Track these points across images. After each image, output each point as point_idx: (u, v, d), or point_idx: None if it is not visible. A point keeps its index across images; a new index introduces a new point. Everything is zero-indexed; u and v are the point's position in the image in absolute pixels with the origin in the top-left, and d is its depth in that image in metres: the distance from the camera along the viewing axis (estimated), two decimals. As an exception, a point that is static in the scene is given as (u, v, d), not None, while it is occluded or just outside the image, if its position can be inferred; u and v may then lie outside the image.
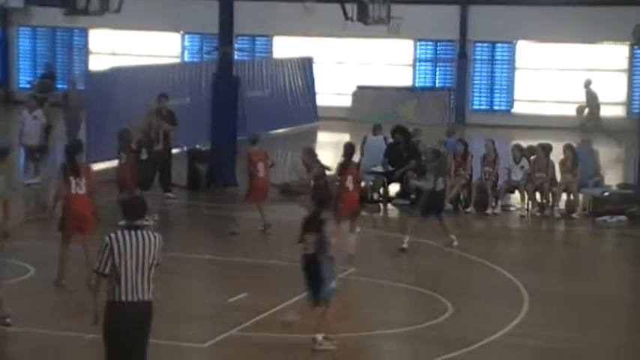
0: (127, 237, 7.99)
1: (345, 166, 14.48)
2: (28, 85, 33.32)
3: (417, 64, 32.98)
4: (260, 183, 16.10)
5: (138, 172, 16.30)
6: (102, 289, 8.07)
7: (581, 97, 28.64)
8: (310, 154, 15.23)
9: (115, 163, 17.48)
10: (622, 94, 31.12)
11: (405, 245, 14.85)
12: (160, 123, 18.32)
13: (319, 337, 10.37)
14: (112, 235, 8.03)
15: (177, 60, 33.24)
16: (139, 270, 7.96)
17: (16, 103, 30.65)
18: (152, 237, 8.08)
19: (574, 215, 18.24)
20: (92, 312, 8.15)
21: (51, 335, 10.80)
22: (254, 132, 18.23)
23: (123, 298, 7.94)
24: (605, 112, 28.64)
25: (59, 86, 35.08)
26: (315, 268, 10.35)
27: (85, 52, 34.90)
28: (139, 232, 8.04)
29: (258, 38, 33.56)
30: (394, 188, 19.57)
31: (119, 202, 8.37)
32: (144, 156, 16.51)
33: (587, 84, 28.26)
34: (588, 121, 27.53)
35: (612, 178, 19.85)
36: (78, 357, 10.05)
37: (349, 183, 14.19)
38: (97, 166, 21.10)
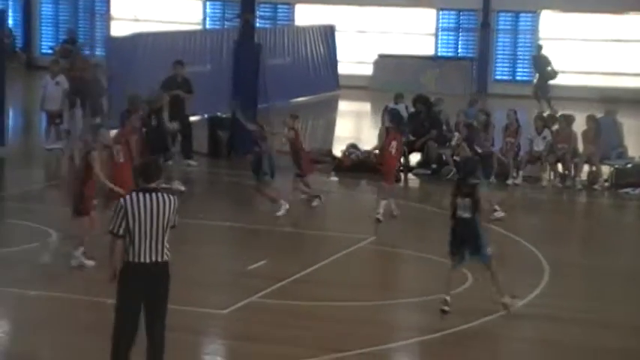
0: (142, 199, 8.05)
1: (389, 132, 15.33)
2: (50, 51, 33.36)
3: (440, 33, 32.77)
4: None
5: (149, 139, 16.29)
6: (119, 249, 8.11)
7: (603, 67, 28.43)
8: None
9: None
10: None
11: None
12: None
13: (507, 299, 10.68)
14: (127, 197, 8.10)
15: (199, 27, 33.17)
16: (153, 232, 8.01)
17: (38, 68, 30.68)
18: (167, 199, 8.12)
19: (596, 187, 18.13)
20: (108, 271, 8.18)
21: (64, 298, 10.87)
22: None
23: (137, 259, 8.01)
24: (632, 82, 28.39)
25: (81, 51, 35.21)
26: (472, 232, 10.60)
27: (106, 17, 34.87)
28: (153, 194, 8.09)
29: (279, 6, 33.42)
30: (415, 158, 19.51)
31: (134, 167, 8.43)
32: (154, 122, 16.40)
33: (539, 49, 28.07)
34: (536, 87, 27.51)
35: (636, 149, 19.70)
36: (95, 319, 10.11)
37: (392, 148, 14.99)
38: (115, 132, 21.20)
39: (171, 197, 8.19)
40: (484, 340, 10.18)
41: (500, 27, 32.10)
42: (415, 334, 10.19)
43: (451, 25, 32.83)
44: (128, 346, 8.14)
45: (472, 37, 32.49)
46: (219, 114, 20.94)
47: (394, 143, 15.11)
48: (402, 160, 17.36)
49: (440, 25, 32.72)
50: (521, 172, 18.58)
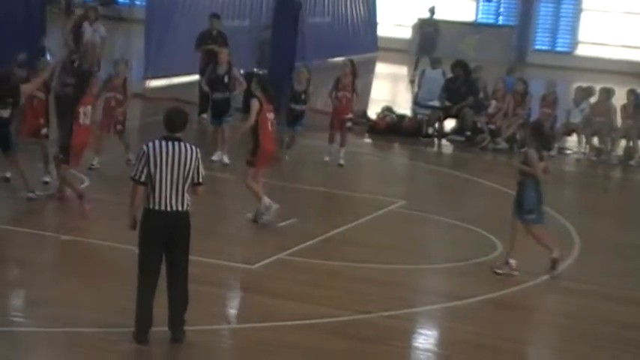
0: (165, 147, 8.07)
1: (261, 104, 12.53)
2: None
3: (481, 0, 32.44)
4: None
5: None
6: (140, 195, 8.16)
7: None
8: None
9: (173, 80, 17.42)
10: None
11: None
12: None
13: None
14: (150, 144, 8.12)
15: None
16: (174, 180, 8.04)
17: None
18: (190, 149, 8.14)
19: (632, 162, 17.96)
20: (129, 218, 8.25)
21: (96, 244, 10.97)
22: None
23: (157, 207, 8.06)
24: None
25: (121, 0, 35.22)
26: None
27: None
28: (176, 143, 8.10)
29: (321, -36, 33.17)
30: (450, 124, 19.41)
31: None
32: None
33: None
34: None
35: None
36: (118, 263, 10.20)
37: (268, 123, 12.14)
38: (155, 83, 21.28)
39: (195, 148, 8.20)
40: (510, 309, 10.15)
41: (543, -5, 31.75)
42: (441, 300, 10.18)
43: (493, -8, 32.51)
44: (151, 292, 8.20)
45: (513, 5, 32.15)
46: (255, 70, 20.88)
47: (270, 116, 11.93)
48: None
49: (482, -9, 32.40)
50: (556, 144, 18.44)
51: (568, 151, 18.69)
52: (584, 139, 18.31)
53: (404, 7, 32.45)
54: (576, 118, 18.35)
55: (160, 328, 8.30)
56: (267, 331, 8.98)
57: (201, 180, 8.25)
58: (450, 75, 19.55)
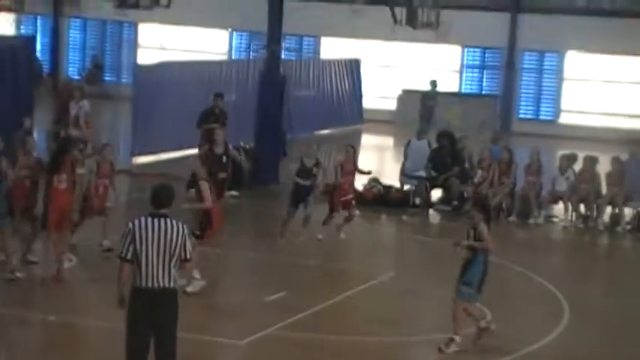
0: (150, 223, 8.07)
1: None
2: (76, 76, 33.67)
3: (465, 70, 32.84)
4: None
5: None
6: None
7: (628, 109, 28.31)
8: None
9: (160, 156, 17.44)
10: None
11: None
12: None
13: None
14: (136, 221, 8.13)
15: (225, 57, 33.37)
16: (160, 257, 8.00)
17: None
18: (176, 225, 8.13)
19: (618, 229, 18.04)
20: (117, 295, 8.23)
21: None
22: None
23: (143, 284, 8.01)
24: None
25: (107, 78, 35.52)
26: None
27: (134, 45, 35.18)
28: (162, 219, 8.10)
29: (305, 38, 33.61)
30: (437, 194, 19.48)
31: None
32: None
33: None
34: None
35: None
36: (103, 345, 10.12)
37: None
38: (142, 160, 21.35)
39: (181, 224, 8.20)
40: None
41: (525, 66, 32.14)
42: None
43: (476, 62, 32.91)
44: None
45: (497, 75, 32.54)
46: (242, 144, 20.99)
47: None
48: None
49: (465, 62, 32.81)
50: (542, 212, 18.52)
51: (555, 219, 18.77)
52: (570, 207, 18.40)
53: (388, 79, 32.80)
54: (562, 186, 18.46)
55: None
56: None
57: (188, 256, 8.22)
58: (435, 145, 19.70)
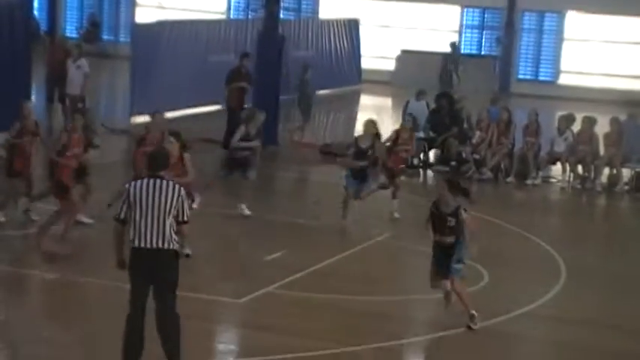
0: (146, 185, 8.13)
1: None
2: (74, 35, 33.51)
3: (464, 30, 32.71)
4: None
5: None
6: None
7: (628, 70, 28.27)
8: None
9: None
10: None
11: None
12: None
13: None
14: (132, 183, 8.22)
15: (224, 16, 33.21)
16: (154, 217, 8.05)
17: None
18: (172, 186, 8.17)
19: (617, 188, 18.08)
20: (116, 257, 8.32)
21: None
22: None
23: (138, 244, 8.08)
24: None
25: (105, 37, 35.37)
26: None
27: (131, 4, 34.98)
28: (157, 180, 8.15)
29: (305, -3, 33.46)
30: (435, 154, 19.50)
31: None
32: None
33: None
34: None
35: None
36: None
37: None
38: (141, 119, 21.31)
39: (177, 185, 8.23)
40: (497, 339, 10.17)
41: (525, 26, 32.01)
42: (429, 331, 10.20)
43: (475, 22, 32.76)
44: (138, 326, 8.16)
45: (496, 35, 32.39)
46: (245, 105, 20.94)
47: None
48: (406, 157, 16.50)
49: (464, 22, 32.66)
50: (540, 173, 18.55)
51: (552, 180, 18.80)
52: (568, 168, 18.43)
53: (387, 39, 32.66)
54: (560, 147, 18.47)
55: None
56: (255, 365, 8.97)
57: (185, 218, 8.24)
58: (433, 106, 19.67)
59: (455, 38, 32.43)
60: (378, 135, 14.54)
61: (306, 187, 16.15)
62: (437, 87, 24.96)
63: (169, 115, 21.62)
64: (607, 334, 10.49)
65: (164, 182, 8.16)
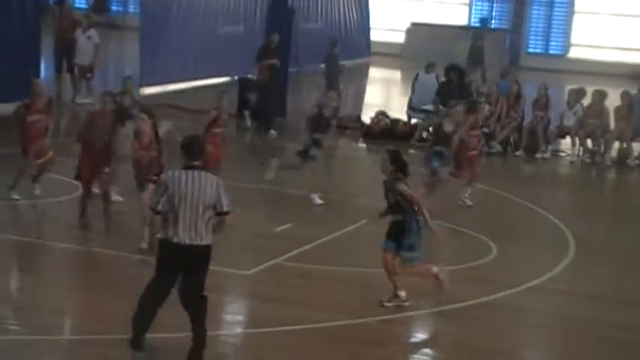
0: (184, 176, 7.85)
1: None
2: (83, 5, 33.44)
3: (474, 3, 32.54)
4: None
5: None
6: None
7: (638, 43, 28.11)
8: None
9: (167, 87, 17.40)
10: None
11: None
12: None
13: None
14: (170, 173, 7.96)
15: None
16: (192, 212, 7.78)
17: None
18: (210, 178, 7.91)
19: (629, 161, 18.03)
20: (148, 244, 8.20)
21: (101, 253, 10.99)
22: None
23: (173, 239, 7.82)
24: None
25: (114, 8, 35.28)
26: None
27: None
28: (196, 172, 7.89)
29: (314, -31, 33.25)
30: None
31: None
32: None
33: None
34: None
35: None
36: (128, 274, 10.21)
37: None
38: (150, 90, 21.31)
39: (215, 177, 7.99)
40: (505, 312, 10.18)
41: (536, -1, 31.86)
42: (436, 304, 10.20)
43: (486, -5, 32.62)
44: (152, 313, 8.03)
45: (506, 8, 32.24)
46: (249, 76, 20.93)
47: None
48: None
49: (475, -6, 32.52)
50: (550, 147, 18.50)
51: (562, 154, 18.76)
52: (577, 142, 18.37)
53: (396, 11, 32.52)
54: (570, 121, 18.41)
55: (160, 334, 8.32)
56: (264, 336, 9.01)
57: (225, 209, 7.96)
58: (443, 79, 19.61)
59: (465, 11, 32.29)
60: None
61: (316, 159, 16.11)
62: (464, 62, 24.43)
63: (179, 86, 21.81)
64: (615, 308, 10.49)
65: (202, 174, 7.89)
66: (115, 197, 12.56)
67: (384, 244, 9.75)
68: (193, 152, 7.98)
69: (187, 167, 7.94)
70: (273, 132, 18.71)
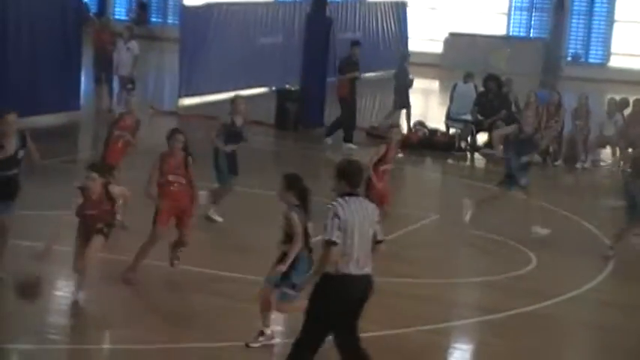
0: (352, 205, 7.48)
1: None
2: (123, 17, 33.77)
3: (513, 12, 32.43)
4: None
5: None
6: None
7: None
8: None
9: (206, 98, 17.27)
10: None
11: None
12: None
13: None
14: (340, 203, 7.48)
15: (271, -1, 33.22)
16: (362, 240, 7.46)
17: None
18: (371, 206, 7.66)
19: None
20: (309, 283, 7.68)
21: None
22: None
23: (347, 270, 7.42)
24: None
25: (153, 19, 35.59)
26: None
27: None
28: (360, 199, 7.57)
29: (352, -20, 33.32)
30: (483, 138, 19.40)
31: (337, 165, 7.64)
32: None
33: None
34: None
35: None
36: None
37: None
38: (188, 101, 21.47)
39: (373, 205, 7.73)
40: (541, 322, 10.12)
41: (575, 7, 31.65)
42: (477, 314, 10.18)
43: (525, 4, 32.46)
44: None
45: (545, 18, 32.09)
46: (287, 86, 21.02)
47: None
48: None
49: (513, 4, 32.38)
50: (590, 156, 18.38)
51: (602, 163, 18.63)
52: (618, 151, 18.23)
53: (435, 21, 32.50)
54: (609, 131, 18.28)
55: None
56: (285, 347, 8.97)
57: (381, 237, 7.65)
58: (481, 89, 19.57)
59: (503, 21, 32.18)
60: None
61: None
62: (485, 69, 24.60)
63: (218, 97, 21.96)
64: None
65: (365, 201, 7.65)
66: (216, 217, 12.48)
67: (266, 277, 8.93)
68: (357, 179, 7.62)
69: (350, 194, 7.56)
70: (352, 145, 18.43)
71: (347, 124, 18.83)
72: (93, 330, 9.10)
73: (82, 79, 19.88)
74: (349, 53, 19.31)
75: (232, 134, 12.72)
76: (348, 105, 18.82)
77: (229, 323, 9.00)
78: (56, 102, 18.61)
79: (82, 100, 19.62)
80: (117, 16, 34.74)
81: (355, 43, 19.59)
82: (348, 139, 18.73)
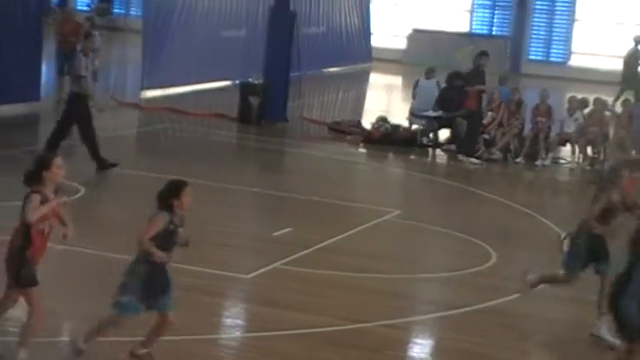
0: None
1: None
2: (86, 8, 33.50)
3: (475, 10, 32.59)
4: None
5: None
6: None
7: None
8: None
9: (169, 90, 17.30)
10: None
11: None
12: None
13: None
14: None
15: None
16: None
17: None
18: None
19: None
20: None
21: (97, 255, 10.99)
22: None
23: None
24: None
25: (116, 11, 35.34)
26: None
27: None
28: None
29: (316, -26, 33.30)
30: (445, 134, 19.49)
31: None
32: None
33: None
34: None
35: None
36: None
37: None
38: (151, 93, 21.37)
39: None
40: (505, 318, 10.20)
41: (537, 6, 31.87)
42: (437, 309, 10.22)
43: (487, 2, 32.63)
44: None
45: (508, 16, 32.28)
46: (250, 79, 20.97)
47: None
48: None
49: (475, 1, 32.53)
50: (550, 154, 18.52)
51: (562, 161, 18.78)
52: (577, 149, 18.39)
53: (398, 17, 32.57)
54: (570, 128, 18.44)
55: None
56: (263, 340, 9.01)
57: None
58: (443, 85, 19.63)
59: (466, 18, 32.33)
60: None
61: (315, 164, 16.16)
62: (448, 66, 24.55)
63: (180, 89, 21.86)
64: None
65: None
66: None
67: None
68: None
69: None
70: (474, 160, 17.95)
71: (472, 137, 18.30)
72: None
73: (43, 69, 19.69)
74: (477, 63, 18.87)
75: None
76: (475, 117, 18.40)
77: (192, 316, 8.94)
78: (16, 92, 18.42)
79: (42, 91, 19.45)
80: (79, 7, 34.45)
81: (483, 53, 19.15)
82: (470, 153, 18.02)
